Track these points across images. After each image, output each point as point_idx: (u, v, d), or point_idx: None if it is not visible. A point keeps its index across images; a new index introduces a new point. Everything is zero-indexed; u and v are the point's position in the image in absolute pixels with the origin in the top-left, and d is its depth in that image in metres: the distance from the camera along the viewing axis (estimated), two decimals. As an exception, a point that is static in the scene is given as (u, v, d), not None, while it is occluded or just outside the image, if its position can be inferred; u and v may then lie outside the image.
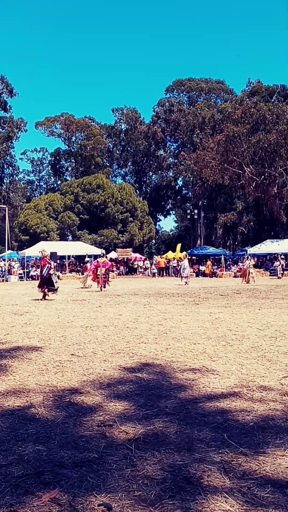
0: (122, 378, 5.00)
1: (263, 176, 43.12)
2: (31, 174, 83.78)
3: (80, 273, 36.26)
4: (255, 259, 41.62)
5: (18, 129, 59.96)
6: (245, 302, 13.95)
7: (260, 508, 2.30)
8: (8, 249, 42.04)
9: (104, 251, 25.51)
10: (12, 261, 40.59)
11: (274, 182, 43.25)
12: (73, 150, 67.61)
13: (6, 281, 36.05)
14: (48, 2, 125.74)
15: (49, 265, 15.91)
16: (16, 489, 2.52)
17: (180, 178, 68.60)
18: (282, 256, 38.71)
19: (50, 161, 74.96)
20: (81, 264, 37.77)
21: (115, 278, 36.56)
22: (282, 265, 36.23)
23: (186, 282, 26.70)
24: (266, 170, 42.78)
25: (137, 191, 69.08)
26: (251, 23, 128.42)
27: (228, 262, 44.89)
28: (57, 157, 70.54)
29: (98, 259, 22.20)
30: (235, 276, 37.06)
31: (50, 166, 75.82)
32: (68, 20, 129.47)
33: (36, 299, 15.94)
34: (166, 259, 44.80)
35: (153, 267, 41.75)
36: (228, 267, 42.52)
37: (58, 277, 17.01)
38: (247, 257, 32.98)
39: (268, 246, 42.33)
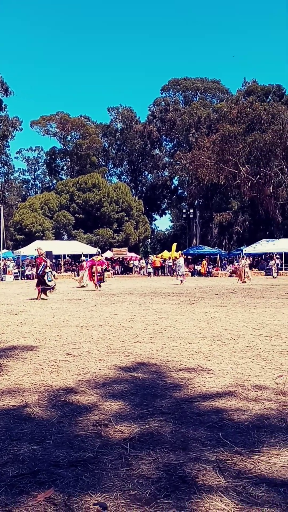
0: (118, 377, 5.00)
1: (258, 176, 43.17)
2: (27, 173, 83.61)
3: (75, 272, 36.19)
4: (251, 258, 41.69)
5: (14, 128, 59.71)
6: (240, 302, 13.98)
7: (255, 507, 2.30)
8: (3, 249, 41.84)
9: (99, 250, 25.48)
10: (7, 260, 40.52)
11: (270, 182, 43.31)
12: (68, 149, 67.48)
13: (1, 280, 35.93)
14: (45, 2, 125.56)
15: (45, 263, 15.85)
16: (11, 488, 2.52)
17: (175, 178, 68.60)
18: (278, 256, 38.81)
19: (45, 160, 74.80)
20: (76, 264, 37.72)
21: (111, 278, 36.54)
22: (277, 264, 36.30)
23: (181, 281, 26.74)
24: (261, 169, 42.83)
25: (133, 190, 69.04)
26: (247, 23, 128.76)
27: (224, 261, 44.98)
28: (53, 156, 70.39)
29: (94, 257, 22.19)
30: (230, 276, 37.13)
31: (45, 165, 75.67)
32: (64, 19, 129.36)
33: (31, 298, 15.91)
34: (161, 258, 44.83)
35: (149, 266, 41.77)
36: (224, 267, 42.59)
37: (54, 276, 16.88)
38: (243, 256, 33.06)
39: (263, 246, 42.43)
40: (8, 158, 64.12)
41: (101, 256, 23.46)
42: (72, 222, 52.19)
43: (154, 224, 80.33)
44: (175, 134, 65.52)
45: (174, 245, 44.48)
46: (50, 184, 74.35)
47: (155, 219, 79.54)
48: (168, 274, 41.33)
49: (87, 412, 3.86)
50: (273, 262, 35.26)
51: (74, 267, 41.03)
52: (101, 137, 70.99)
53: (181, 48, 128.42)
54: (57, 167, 72.88)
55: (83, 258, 27.93)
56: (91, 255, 32.17)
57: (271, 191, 43.27)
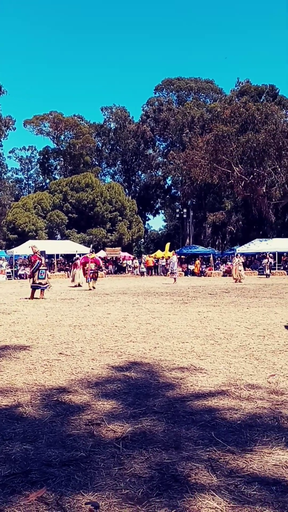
0: (110, 377, 5.00)
1: (252, 176, 43.26)
2: (20, 172, 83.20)
3: (69, 272, 36.11)
4: (244, 257, 41.80)
5: (7, 127, 59.58)
6: (233, 301, 14.01)
7: (247, 505, 2.31)
8: (-4, 248, 41.80)
9: (93, 249, 25.44)
10: (0, 259, 40.37)
11: (263, 182, 43.41)
12: (62, 149, 67.32)
13: (-6, 280, 35.82)
14: (38, 1, 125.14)
15: (40, 261, 15.76)
16: (3, 488, 2.51)
17: (169, 177, 68.60)
18: (271, 255, 38.94)
19: (38, 160, 74.53)
20: (70, 263, 37.65)
21: (104, 277, 36.51)
22: (270, 263, 36.40)
23: (175, 279, 26.78)
24: (255, 169, 42.92)
25: (126, 190, 69.01)
26: (241, 23, 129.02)
27: (217, 261, 45.06)
28: (46, 156, 70.18)
29: (87, 255, 22.18)
30: (223, 275, 37.22)
31: (38, 164, 75.38)
32: (58, 18, 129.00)
33: (25, 298, 15.86)
34: (154, 258, 44.83)
35: (142, 266, 41.77)
36: (217, 266, 42.67)
37: (48, 275, 16.77)
38: (236, 255, 33.16)
39: (256, 245, 42.55)
40: (1, 158, 64.10)
41: (94, 254, 23.42)
42: (65, 222, 52.08)
43: (148, 224, 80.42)
44: (169, 134, 65.56)
45: (168, 245, 44.55)
46: (43, 184, 74.13)
47: (149, 219, 79.66)
48: (161, 273, 41.35)
49: (79, 411, 3.85)
50: (266, 260, 35.36)
51: (67, 267, 40.95)
52: (95, 136, 70.88)
53: (174, 48, 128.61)
54: (50, 167, 72.69)
55: (77, 256, 27.93)
56: (84, 255, 32.15)
57: (264, 191, 43.38)
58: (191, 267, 41.99)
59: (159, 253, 46.71)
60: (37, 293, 15.68)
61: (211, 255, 43.34)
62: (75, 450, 3.04)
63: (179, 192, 66.00)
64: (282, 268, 40.89)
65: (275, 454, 2.92)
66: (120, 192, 56.54)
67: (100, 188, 54.90)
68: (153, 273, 43.10)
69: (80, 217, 52.86)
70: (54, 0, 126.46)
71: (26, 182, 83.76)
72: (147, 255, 49.12)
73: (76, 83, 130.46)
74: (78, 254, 32.01)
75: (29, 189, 79.91)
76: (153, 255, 47.40)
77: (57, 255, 42.99)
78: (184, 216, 58.35)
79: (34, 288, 15.62)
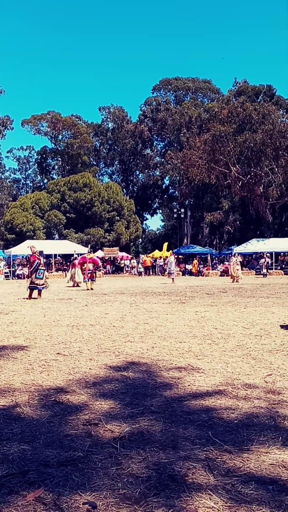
0: (108, 376, 5.01)
1: (249, 176, 43.29)
2: (17, 172, 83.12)
3: (66, 272, 36.08)
4: (242, 257, 41.84)
5: (4, 127, 59.52)
6: (230, 301, 14.03)
7: (244, 504, 2.32)
8: (-7, 248, 41.74)
9: (91, 249, 25.43)
10: (-2, 260, 40.31)
11: (260, 182, 43.45)
12: (59, 149, 67.25)
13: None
14: (36, 1, 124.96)
15: (39, 261, 15.74)
16: (0, 488, 2.51)
17: (166, 177, 68.62)
18: (268, 254, 39.00)
19: (36, 160, 74.42)
20: (68, 263, 37.63)
21: (102, 277, 36.49)
22: (267, 262, 36.45)
23: (172, 279, 26.79)
24: (252, 169, 42.95)
25: (124, 190, 68.94)
26: (238, 23, 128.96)
27: (215, 261, 45.06)
28: (44, 156, 70.09)
29: (85, 255, 22.18)
30: (221, 275, 37.25)
31: (36, 164, 75.26)
32: (55, 18, 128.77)
33: (23, 298, 15.85)
34: (152, 258, 44.83)
35: (140, 266, 41.76)
36: (214, 266, 42.70)
37: (46, 276, 16.73)
38: (234, 254, 33.18)
39: (254, 245, 42.63)
40: (-1, 157, 63.87)
41: (92, 254, 23.42)
42: (63, 222, 52.05)
43: (145, 224, 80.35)
44: (166, 134, 65.58)
45: (165, 245, 44.58)
46: (41, 184, 74.06)
47: (146, 219, 79.62)
48: (159, 273, 41.35)
49: (77, 411, 3.86)
50: (263, 259, 35.41)
51: (65, 267, 40.93)
52: (92, 136, 70.86)
53: (172, 48, 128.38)
54: (48, 167, 72.62)
55: (75, 256, 27.93)
56: (82, 255, 32.14)
57: (261, 191, 43.42)
58: (188, 267, 42.00)
59: (156, 253, 46.71)
60: (35, 293, 15.68)
61: (209, 255, 43.33)
62: (72, 450, 3.04)
63: (176, 192, 66.02)
64: (279, 267, 41.00)
65: (271, 454, 2.93)
66: (118, 192, 56.52)
67: (98, 188, 54.86)
68: (151, 273, 43.11)
69: (78, 217, 52.83)
70: (52, 1, 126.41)
71: (24, 182, 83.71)
72: (145, 255, 49.08)
73: (74, 83, 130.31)
74: (76, 254, 31.98)
75: (27, 189, 79.80)
76: (150, 255, 47.39)
77: (55, 255, 42.96)
78: (182, 216, 58.39)
79: (31, 288, 15.62)
